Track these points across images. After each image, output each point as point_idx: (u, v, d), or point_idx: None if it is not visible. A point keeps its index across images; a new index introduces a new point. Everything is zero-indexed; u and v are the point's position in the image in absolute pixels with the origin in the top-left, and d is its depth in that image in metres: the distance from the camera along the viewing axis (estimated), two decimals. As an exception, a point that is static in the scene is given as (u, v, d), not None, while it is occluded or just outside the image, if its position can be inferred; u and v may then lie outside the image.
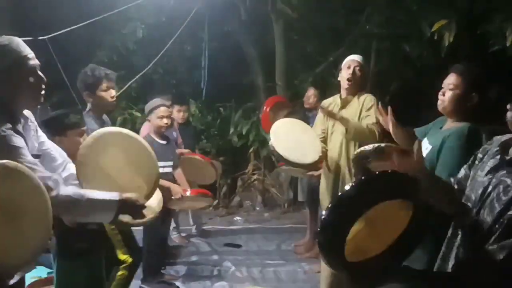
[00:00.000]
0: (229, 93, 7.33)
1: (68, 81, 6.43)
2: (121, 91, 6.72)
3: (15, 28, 6.97)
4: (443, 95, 2.25)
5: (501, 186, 1.46)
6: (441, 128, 2.36)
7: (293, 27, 7.27)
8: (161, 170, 3.86)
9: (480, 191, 1.55)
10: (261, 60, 7.48)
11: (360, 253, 1.47)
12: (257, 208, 7.01)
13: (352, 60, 3.47)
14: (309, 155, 3.37)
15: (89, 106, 3.33)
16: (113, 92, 3.29)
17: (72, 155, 2.72)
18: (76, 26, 6.29)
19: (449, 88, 2.22)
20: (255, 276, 4.55)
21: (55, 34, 6.20)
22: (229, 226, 6.30)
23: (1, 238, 1.75)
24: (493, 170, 1.55)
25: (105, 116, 3.48)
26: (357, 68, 3.43)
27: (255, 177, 7.11)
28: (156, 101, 4.26)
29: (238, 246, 5.43)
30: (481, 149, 1.72)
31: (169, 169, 4.08)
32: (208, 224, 6.28)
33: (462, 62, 2.29)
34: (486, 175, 1.56)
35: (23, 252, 1.79)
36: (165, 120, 4.17)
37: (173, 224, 5.56)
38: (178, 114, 5.22)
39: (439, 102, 2.28)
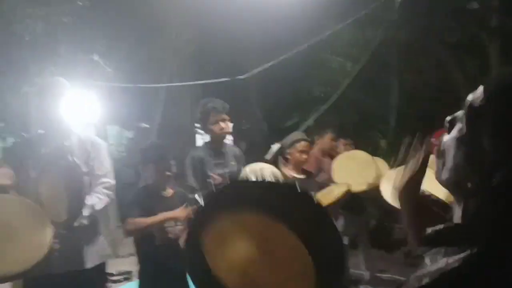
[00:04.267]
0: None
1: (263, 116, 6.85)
2: (308, 121, 6.76)
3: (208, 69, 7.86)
4: None
5: None
6: None
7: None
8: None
9: None
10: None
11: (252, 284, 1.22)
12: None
13: None
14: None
15: (208, 138, 3.43)
16: (221, 125, 3.31)
17: (158, 182, 2.91)
18: (271, 63, 6.69)
19: None
20: None
21: (252, 73, 6.74)
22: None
23: None
24: None
25: (228, 149, 3.53)
26: None
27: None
28: (296, 134, 4.12)
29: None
30: None
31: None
32: (388, 272, 5.63)
33: None
34: None
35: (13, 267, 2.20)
36: (304, 156, 3.98)
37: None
38: (344, 147, 4.93)
39: None
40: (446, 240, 0.91)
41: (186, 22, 7.49)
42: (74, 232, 2.58)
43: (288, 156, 4.04)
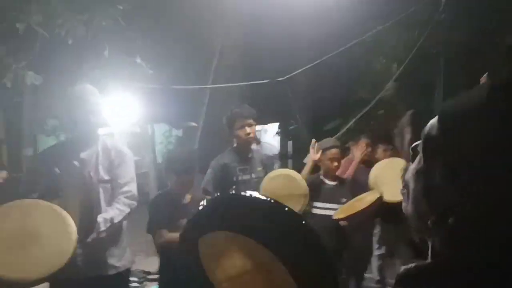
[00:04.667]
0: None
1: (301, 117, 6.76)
2: (347, 126, 6.59)
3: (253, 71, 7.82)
4: None
5: None
6: None
7: None
8: (323, 212, 3.70)
9: None
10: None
11: None
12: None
13: None
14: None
15: (234, 142, 3.43)
16: (247, 130, 3.30)
17: (178, 192, 2.93)
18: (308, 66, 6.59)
19: None
20: None
21: (291, 75, 6.66)
22: None
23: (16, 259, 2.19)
24: None
25: (256, 154, 3.51)
26: None
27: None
28: (328, 141, 4.01)
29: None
30: None
31: (331, 212, 3.72)
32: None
33: None
34: None
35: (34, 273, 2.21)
36: (335, 163, 3.89)
37: (376, 277, 5.03)
38: (384, 153, 4.76)
39: None
40: (416, 281, 0.83)
41: (231, 25, 7.52)
42: (91, 244, 2.59)
43: (319, 163, 3.96)
